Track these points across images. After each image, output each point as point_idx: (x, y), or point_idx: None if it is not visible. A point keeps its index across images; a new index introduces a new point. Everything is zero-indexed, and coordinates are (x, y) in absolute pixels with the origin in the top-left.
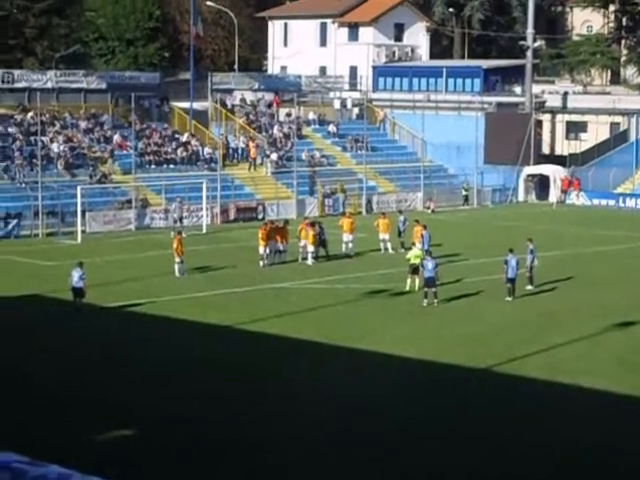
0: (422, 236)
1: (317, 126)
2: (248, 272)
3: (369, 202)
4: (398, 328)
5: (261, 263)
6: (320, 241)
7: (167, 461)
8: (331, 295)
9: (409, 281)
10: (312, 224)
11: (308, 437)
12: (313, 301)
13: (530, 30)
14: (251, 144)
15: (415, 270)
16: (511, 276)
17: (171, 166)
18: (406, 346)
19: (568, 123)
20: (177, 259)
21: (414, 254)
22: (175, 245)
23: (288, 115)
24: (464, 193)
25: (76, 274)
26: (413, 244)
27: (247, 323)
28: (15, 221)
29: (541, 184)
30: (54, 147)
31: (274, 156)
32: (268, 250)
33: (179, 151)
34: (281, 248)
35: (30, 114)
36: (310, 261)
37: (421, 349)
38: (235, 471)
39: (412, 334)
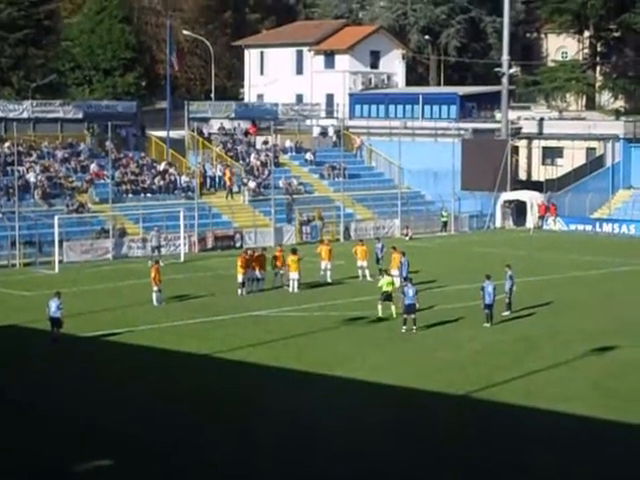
0: (401, 263)
1: (294, 154)
2: (226, 300)
3: (347, 229)
4: (376, 355)
5: (239, 291)
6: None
7: None
8: (309, 323)
9: (380, 308)
10: (294, 251)
11: (289, 464)
12: (291, 329)
13: (505, 57)
14: (228, 172)
15: (387, 297)
16: (488, 302)
17: (148, 195)
18: (384, 373)
19: (544, 149)
20: (155, 288)
21: (386, 281)
22: (153, 274)
23: (265, 143)
24: (443, 219)
25: (53, 304)
26: (386, 271)
27: (225, 352)
28: None
29: (518, 210)
30: (31, 177)
31: (251, 184)
32: (246, 278)
33: (156, 180)
34: (259, 276)
35: (7, 144)
36: (296, 289)
37: (399, 376)
38: None
39: (390, 361)
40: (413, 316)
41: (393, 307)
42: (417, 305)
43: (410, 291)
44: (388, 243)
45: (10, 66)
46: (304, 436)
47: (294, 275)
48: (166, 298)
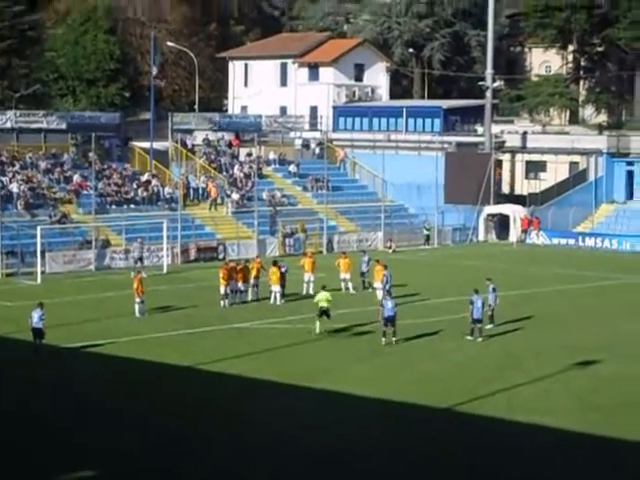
0: (384, 276)
1: (278, 166)
2: (209, 312)
3: (330, 242)
4: (359, 367)
5: (222, 303)
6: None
7: None
8: (291, 335)
9: (318, 324)
10: (275, 263)
11: (269, 477)
12: (273, 341)
13: (489, 70)
14: (211, 184)
15: (324, 313)
16: (477, 317)
17: (131, 206)
18: (366, 385)
19: (527, 163)
20: (137, 299)
21: (324, 297)
22: (135, 285)
23: (249, 155)
24: (425, 232)
25: (36, 315)
26: (323, 287)
27: (207, 363)
28: None
29: (501, 224)
30: (14, 187)
31: (235, 196)
32: (229, 290)
33: (139, 191)
34: (242, 288)
35: None
36: (279, 301)
37: (381, 388)
38: None
39: (373, 373)
40: (392, 328)
41: (318, 323)
42: (396, 317)
43: (389, 303)
44: (372, 256)
45: None
46: (285, 446)
47: (275, 287)
48: (149, 309)
